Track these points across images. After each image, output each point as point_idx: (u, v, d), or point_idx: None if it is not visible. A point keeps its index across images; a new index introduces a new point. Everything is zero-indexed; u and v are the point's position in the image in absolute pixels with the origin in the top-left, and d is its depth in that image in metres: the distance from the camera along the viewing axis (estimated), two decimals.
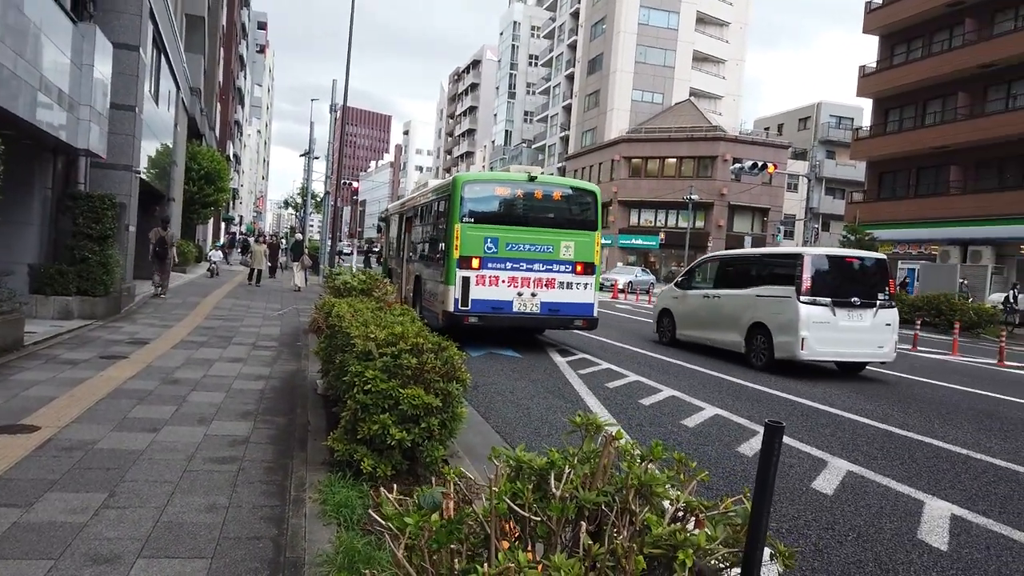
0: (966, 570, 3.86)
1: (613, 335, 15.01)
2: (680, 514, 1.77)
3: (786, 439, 6.54)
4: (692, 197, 44.70)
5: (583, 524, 1.71)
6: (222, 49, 41.80)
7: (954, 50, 32.98)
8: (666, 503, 1.82)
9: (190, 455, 4.76)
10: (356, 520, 3.72)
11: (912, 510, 4.79)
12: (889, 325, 11.19)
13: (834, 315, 10.76)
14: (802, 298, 10.72)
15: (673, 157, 53.80)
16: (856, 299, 10.94)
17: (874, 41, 38.26)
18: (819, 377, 11.13)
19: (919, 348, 16.47)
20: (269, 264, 27.10)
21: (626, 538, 1.63)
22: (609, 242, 56.42)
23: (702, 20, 62.97)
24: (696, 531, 1.60)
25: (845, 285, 11.14)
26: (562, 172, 70.45)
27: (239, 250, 52.00)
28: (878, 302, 11.06)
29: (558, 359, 11.18)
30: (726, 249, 51.11)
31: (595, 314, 12.26)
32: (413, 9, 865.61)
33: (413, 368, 4.41)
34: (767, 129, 63.61)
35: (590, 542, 1.62)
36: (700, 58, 63.72)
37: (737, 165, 31.26)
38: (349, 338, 4.98)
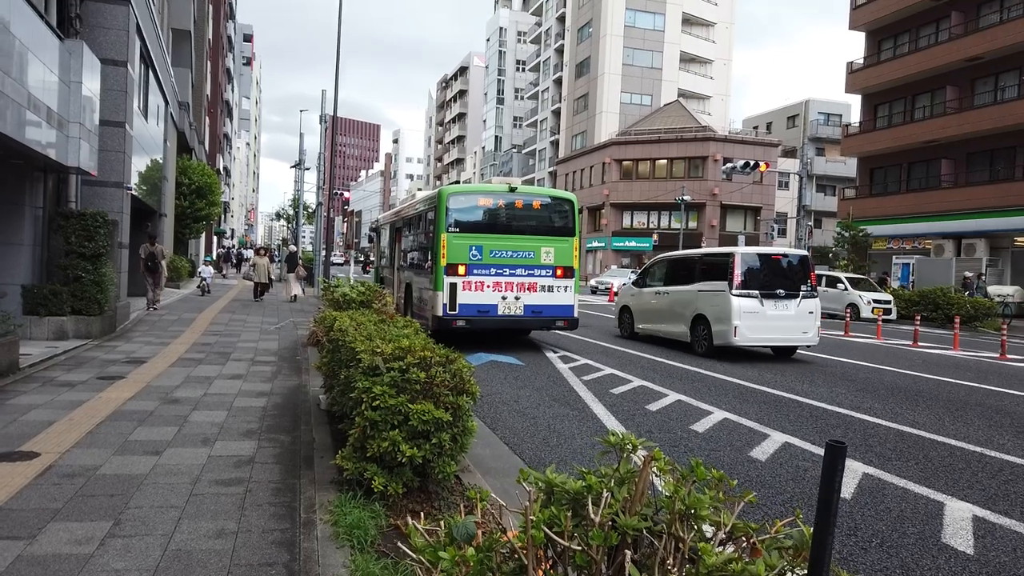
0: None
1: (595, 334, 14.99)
2: (725, 538, 1.68)
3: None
4: (684, 198, 44.75)
5: (627, 552, 1.62)
6: (209, 62, 41.66)
7: (941, 44, 33.12)
8: (708, 526, 1.74)
9: (195, 478, 4.65)
10: (370, 542, 3.62)
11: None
12: (812, 313, 12.60)
13: (762, 305, 12.23)
14: (734, 291, 12.20)
15: (664, 158, 53.91)
16: (781, 291, 12.39)
17: (861, 37, 38.42)
18: (756, 360, 12.48)
19: (920, 343, 16.45)
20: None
21: (675, 567, 1.55)
22: (603, 245, 56.53)
23: (688, 21, 63.20)
24: (751, 559, 1.52)
25: (772, 279, 12.63)
26: (553, 176, 70.56)
27: (232, 264, 51.80)
28: (801, 293, 12.49)
29: (560, 365, 11.10)
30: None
31: (575, 315, 13.11)
32: (399, 19, 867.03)
33: (422, 382, 4.32)
34: (756, 128, 63.87)
35: (637, 572, 1.54)
36: (687, 59, 63.93)
37: (728, 165, 31.30)
38: (354, 353, 4.87)
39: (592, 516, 1.71)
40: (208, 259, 25.08)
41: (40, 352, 9.72)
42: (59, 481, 4.44)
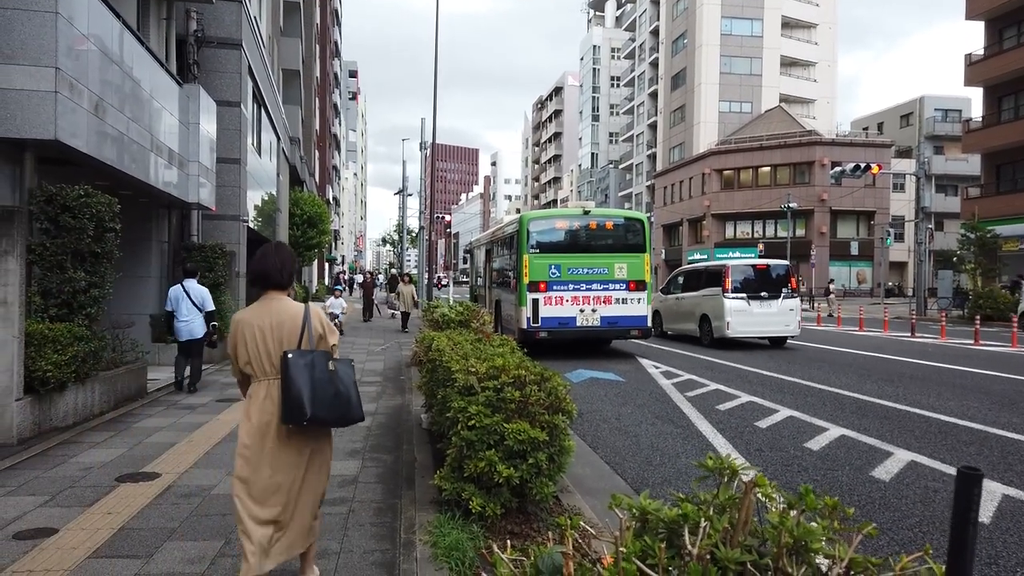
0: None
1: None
2: (842, 574, 1.51)
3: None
4: (790, 205, 42.90)
5: None
6: (317, 99, 43.79)
7: None
8: (821, 559, 1.57)
9: None
10: (468, 564, 3.58)
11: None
12: (792, 310, 15.74)
13: (749, 305, 15.47)
14: (726, 295, 15.48)
15: (767, 166, 52.03)
16: (765, 294, 15.60)
17: (979, 27, 35.82)
18: (757, 349, 15.52)
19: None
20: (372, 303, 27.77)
21: None
22: (705, 257, 54.99)
23: (787, 24, 61.01)
24: None
25: (759, 284, 15.73)
26: (651, 190, 69.56)
27: (343, 289, 53.77)
28: (783, 295, 15.68)
29: (663, 381, 10.80)
30: (830, 257, 48.91)
31: (649, 324, 14.21)
32: (494, 47, 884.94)
33: (516, 401, 4.26)
34: (866, 129, 60.60)
35: None
36: (788, 63, 61.67)
37: (837, 169, 29.76)
38: (450, 372, 4.89)
39: (689, 547, 1.59)
40: (339, 288, 21.82)
41: (166, 377, 10.36)
42: (177, 501, 4.66)
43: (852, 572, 1.51)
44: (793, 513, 1.61)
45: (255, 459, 3.07)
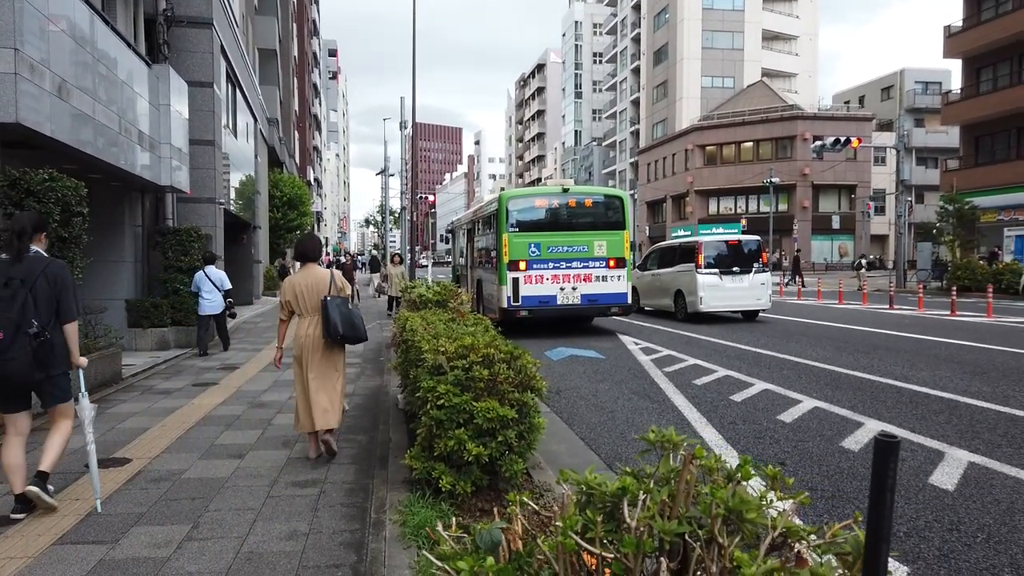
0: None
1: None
2: (779, 542, 1.52)
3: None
4: (773, 180, 42.98)
5: (663, 561, 1.49)
6: (296, 79, 43.22)
7: None
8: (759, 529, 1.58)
9: (273, 480, 4.76)
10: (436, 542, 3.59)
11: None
12: (763, 284, 16.01)
13: (721, 280, 15.72)
14: (699, 270, 15.74)
15: (749, 141, 52.05)
16: (736, 268, 15.82)
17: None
18: (736, 324, 15.75)
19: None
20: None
21: None
22: (689, 234, 55.12)
23: None
24: (797, 567, 1.36)
25: (730, 260, 15.95)
26: (635, 167, 69.46)
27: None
28: (754, 270, 15.90)
29: (642, 358, 10.85)
30: (812, 231, 49.19)
31: (629, 301, 14.20)
32: (474, 24, 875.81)
33: (485, 380, 4.26)
34: (847, 103, 60.71)
35: None
36: (770, 37, 61.49)
37: (818, 143, 29.78)
38: (420, 352, 4.88)
39: (628, 520, 1.59)
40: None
41: (143, 362, 10.29)
42: (146, 486, 4.64)
43: (788, 540, 1.52)
44: (731, 484, 1.62)
45: (304, 359, 5.25)
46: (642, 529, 1.55)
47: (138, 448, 5.57)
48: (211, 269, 11.45)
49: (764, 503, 1.56)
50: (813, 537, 1.48)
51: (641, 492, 1.63)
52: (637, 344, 12.46)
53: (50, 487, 4.11)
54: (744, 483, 1.74)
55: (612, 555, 1.53)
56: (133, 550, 3.58)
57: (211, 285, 11.27)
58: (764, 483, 1.74)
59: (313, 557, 3.52)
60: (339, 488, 4.61)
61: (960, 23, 35.38)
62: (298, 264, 5.67)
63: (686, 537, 1.57)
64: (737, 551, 1.37)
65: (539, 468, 4.94)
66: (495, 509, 3.03)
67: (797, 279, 33.02)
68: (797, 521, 1.57)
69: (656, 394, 8.03)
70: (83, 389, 4.20)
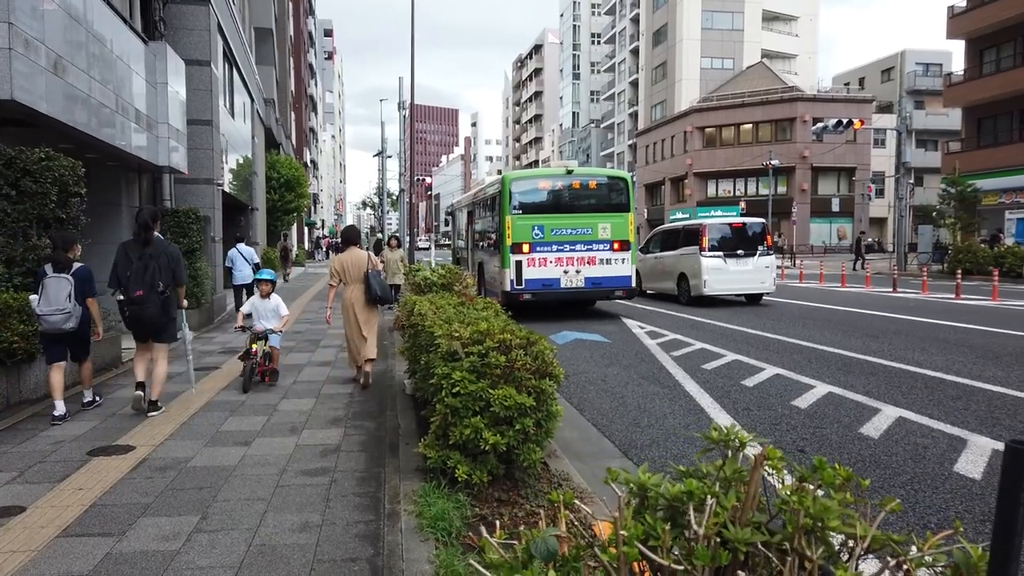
0: None
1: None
2: (863, 554, 1.38)
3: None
4: (772, 162, 42.72)
5: (740, 574, 1.35)
6: (292, 59, 42.67)
7: None
8: (836, 537, 1.44)
9: (282, 468, 4.63)
10: (454, 534, 3.47)
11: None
12: (768, 267, 15.80)
13: (725, 263, 15.55)
14: (703, 253, 15.58)
15: (749, 123, 51.69)
16: (741, 251, 15.65)
17: None
18: (741, 307, 15.53)
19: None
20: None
21: None
22: (687, 216, 54.89)
23: None
24: None
25: (734, 242, 15.76)
26: (633, 149, 69.04)
27: (324, 254, 53.33)
28: (758, 252, 15.71)
29: (648, 341, 10.73)
30: (811, 214, 49.01)
31: (633, 284, 14.05)
32: (471, 3, 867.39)
33: (502, 366, 4.12)
34: (847, 84, 60.30)
35: None
36: (770, 17, 60.91)
37: (819, 125, 29.51)
38: (433, 337, 4.73)
39: (695, 527, 1.45)
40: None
41: None
42: (151, 475, 4.50)
43: (873, 551, 1.39)
44: (811, 488, 1.48)
45: (349, 317, 7.41)
46: (711, 537, 1.42)
47: (141, 435, 5.44)
48: (242, 246, 13.65)
49: (844, 509, 1.43)
50: (913, 550, 1.35)
51: (708, 495, 1.49)
52: (642, 328, 12.34)
53: (160, 405, 6.22)
54: (809, 486, 1.61)
55: (682, 567, 1.39)
56: (141, 543, 3.45)
57: (243, 260, 13.45)
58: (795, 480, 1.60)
59: (328, 550, 3.39)
60: (350, 477, 4.48)
61: (963, 3, 35.01)
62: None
63: (759, 546, 1.44)
64: (839, 570, 1.23)
65: (555, 456, 4.82)
66: (542, 512, 2.90)
67: (859, 263, 31.95)
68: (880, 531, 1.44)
69: (666, 379, 7.92)
70: (184, 322, 6.98)
